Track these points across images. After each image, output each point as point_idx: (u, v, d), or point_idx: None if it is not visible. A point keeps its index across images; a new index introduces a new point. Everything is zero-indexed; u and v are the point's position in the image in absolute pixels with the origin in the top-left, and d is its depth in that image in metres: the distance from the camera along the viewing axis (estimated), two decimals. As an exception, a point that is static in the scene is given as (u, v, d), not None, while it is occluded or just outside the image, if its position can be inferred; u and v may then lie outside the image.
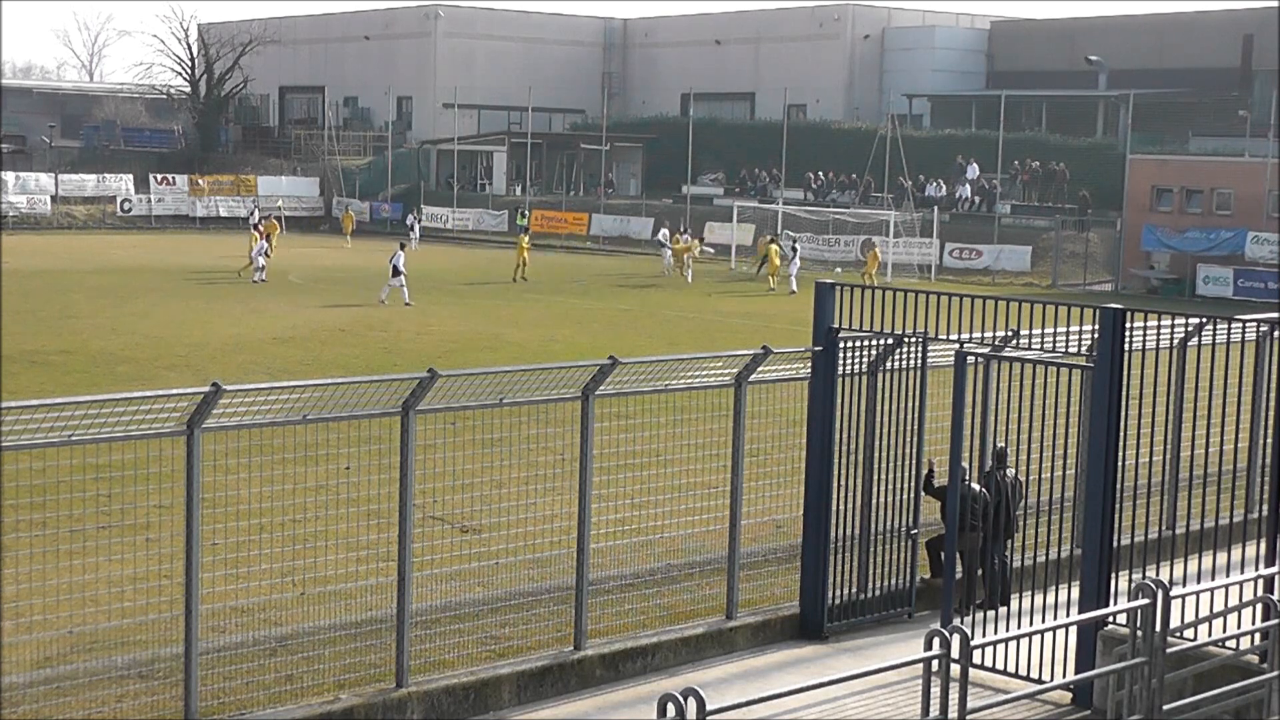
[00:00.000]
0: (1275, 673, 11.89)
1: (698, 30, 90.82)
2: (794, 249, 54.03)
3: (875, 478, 15.31)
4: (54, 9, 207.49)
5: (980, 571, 15.19)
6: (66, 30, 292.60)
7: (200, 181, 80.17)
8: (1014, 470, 15.24)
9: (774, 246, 53.44)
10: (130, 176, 79.64)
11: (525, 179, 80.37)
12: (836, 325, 15.01)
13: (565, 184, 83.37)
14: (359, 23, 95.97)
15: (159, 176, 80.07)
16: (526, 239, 55.08)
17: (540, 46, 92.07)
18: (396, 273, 43.78)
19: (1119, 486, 13.35)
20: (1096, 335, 13.47)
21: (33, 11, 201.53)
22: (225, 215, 78.45)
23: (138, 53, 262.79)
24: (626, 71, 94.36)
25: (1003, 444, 15.11)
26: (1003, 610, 14.66)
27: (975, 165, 68.13)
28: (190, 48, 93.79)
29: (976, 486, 15.31)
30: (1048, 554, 14.64)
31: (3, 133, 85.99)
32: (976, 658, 11.99)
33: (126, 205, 78.10)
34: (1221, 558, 13.89)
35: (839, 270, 56.25)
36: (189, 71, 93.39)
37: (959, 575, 15.12)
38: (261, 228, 55.80)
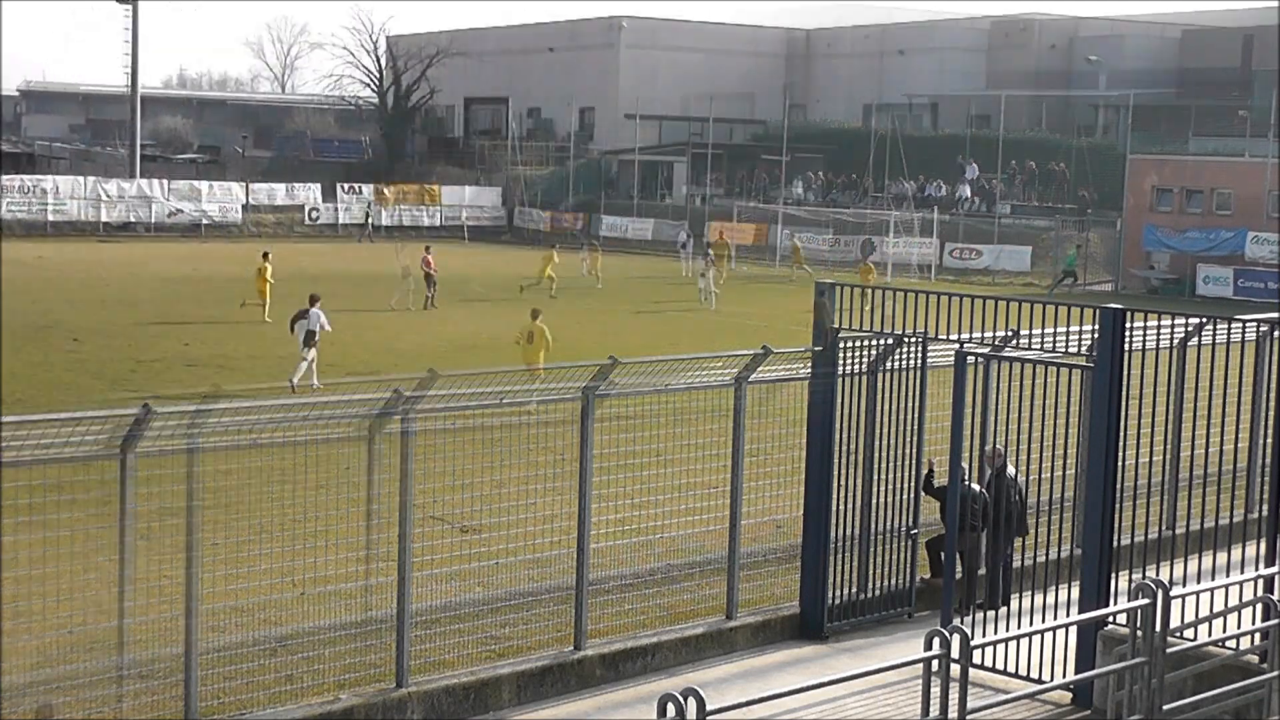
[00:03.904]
0: (1275, 673, 11.88)
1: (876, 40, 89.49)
2: (709, 260, 49.25)
3: (875, 478, 15.31)
4: (248, 22, 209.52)
5: (980, 571, 15.19)
6: (260, 42, 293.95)
7: (385, 191, 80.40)
8: (1014, 470, 15.22)
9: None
10: (318, 186, 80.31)
11: (705, 189, 78.95)
12: (836, 325, 15.01)
13: (744, 195, 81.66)
14: (544, 35, 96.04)
15: (346, 186, 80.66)
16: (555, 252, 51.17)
17: (721, 58, 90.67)
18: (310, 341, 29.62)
19: (1119, 486, 13.34)
20: (1096, 335, 13.47)
21: (227, 24, 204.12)
22: (409, 225, 78.19)
23: (328, 64, 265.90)
24: (808, 82, 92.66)
25: (1000, 445, 15.05)
26: (1003, 610, 14.65)
27: (975, 165, 68.12)
28: (379, 60, 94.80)
29: (976, 487, 15.30)
30: (1048, 554, 14.63)
31: (196, 144, 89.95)
32: (976, 658, 11.98)
33: (314, 214, 78.38)
34: (1221, 558, 13.88)
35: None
36: (377, 83, 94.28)
37: (959, 575, 15.11)
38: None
